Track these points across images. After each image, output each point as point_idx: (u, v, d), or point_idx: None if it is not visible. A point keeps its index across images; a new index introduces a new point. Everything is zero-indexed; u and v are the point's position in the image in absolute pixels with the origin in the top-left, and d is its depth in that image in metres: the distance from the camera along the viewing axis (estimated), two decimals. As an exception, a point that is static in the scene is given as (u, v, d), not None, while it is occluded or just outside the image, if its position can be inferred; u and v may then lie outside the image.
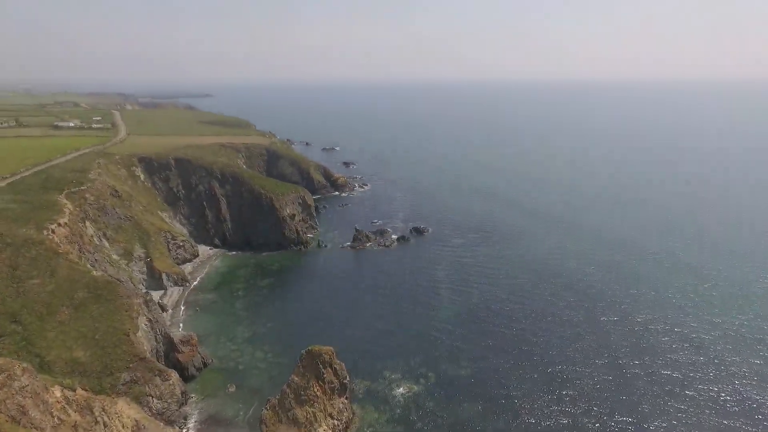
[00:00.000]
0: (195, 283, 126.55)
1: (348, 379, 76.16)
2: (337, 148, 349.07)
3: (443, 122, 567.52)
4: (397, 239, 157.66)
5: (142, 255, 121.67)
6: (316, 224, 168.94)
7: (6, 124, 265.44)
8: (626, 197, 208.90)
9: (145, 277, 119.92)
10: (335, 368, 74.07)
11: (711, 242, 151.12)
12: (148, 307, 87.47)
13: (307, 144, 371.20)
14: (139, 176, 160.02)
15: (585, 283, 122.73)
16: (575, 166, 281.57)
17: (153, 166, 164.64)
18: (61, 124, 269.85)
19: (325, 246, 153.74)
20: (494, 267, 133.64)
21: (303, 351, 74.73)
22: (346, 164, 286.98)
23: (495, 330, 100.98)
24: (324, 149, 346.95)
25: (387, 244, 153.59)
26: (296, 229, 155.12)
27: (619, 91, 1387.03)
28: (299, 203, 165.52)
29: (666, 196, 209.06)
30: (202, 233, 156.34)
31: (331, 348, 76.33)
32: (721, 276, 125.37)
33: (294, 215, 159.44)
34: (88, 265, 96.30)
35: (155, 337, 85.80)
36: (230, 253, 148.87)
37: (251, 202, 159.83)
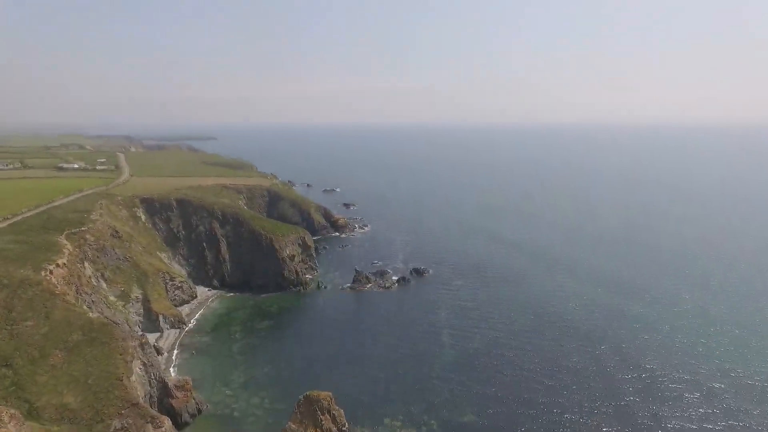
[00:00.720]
0: (192, 325, 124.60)
1: (347, 426, 73.69)
2: (338, 190, 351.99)
3: (443, 165, 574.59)
4: (397, 281, 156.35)
5: (140, 296, 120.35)
6: (316, 265, 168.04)
7: (11, 166, 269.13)
8: (628, 238, 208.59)
9: (141, 319, 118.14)
10: (334, 415, 71.78)
11: (717, 284, 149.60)
12: (143, 350, 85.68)
13: (308, 185, 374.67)
14: (140, 217, 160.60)
15: (588, 327, 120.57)
16: (576, 208, 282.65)
17: (154, 206, 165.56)
18: (65, 165, 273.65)
19: (325, 287, 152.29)
20: (495, 310, 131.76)
21: (300, 396, 72.67)
22: (347, 205, 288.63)
23: (496, 376, 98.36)
24: (325, 191, 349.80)
25: (387, 285, 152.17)
26: (296, 270, 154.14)
27: (619, 134, 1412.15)
28: (299, 244, 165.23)
29: (668, 238, 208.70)
30: (201, 274, 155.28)
31: (330, 393, 74.24)
32: (729, 319, 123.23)
33: (294, 256, 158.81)
34: (85, 307, 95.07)
35: (149, 381, 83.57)
36: (228, 295, 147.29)
37: (251, 242, 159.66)
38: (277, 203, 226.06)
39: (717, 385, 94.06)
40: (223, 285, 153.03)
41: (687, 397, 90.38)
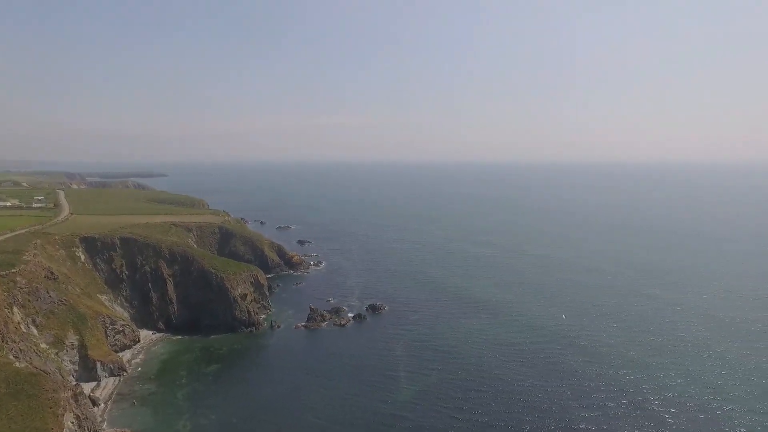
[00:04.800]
0: (134, 371, 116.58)
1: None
2: (293, 227, 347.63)
3: (400, 201, 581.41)
4: (353, 317, 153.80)
5: (76, 342, 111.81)
6: (269, 304, 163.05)
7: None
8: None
9: (76, 367, 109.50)
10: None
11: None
12: (77, 401, 78.99)
13: (261, 222, 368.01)
14: (79, 257, 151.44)
15: (551, 359, 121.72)
16: (538, 240, 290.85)
17: (95, 246, 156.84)
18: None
19: (278, 327, 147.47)
20: (451, 342, 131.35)
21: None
22: (301, 242, 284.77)
23: (453, 412, 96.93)
24: (279, 228, 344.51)
25: (342, 323, 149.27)
26: (248, 310, 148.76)
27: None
28: (252, 282, 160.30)
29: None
30: (145, 316, 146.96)
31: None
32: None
33: (246, 295, 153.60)
34: (11, 356, 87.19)
35: (82, 436, 76.62)
36: (175, 338, 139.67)
37: (201, 282, 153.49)
38: (229, 241, 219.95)
39: None
40: (170, 327, 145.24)
41: None
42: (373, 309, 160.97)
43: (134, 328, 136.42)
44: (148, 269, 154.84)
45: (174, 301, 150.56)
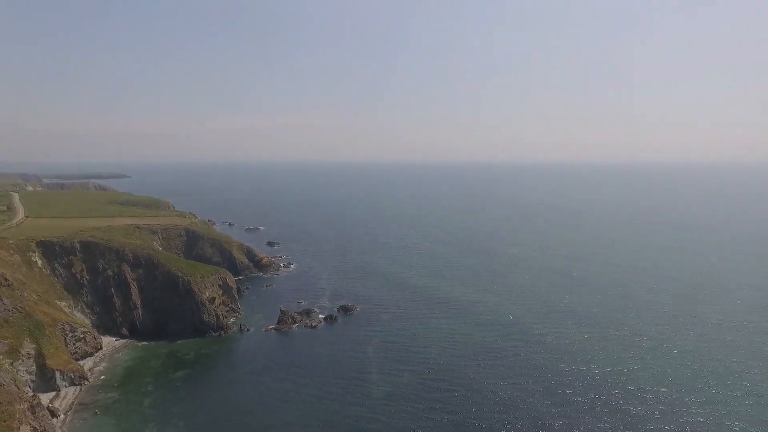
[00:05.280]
0: (96, 380, 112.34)
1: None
2: (262, 228, 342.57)
3: (370, 201, 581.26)
4: (324, 318, 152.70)
5: (32, 351, 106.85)
6: (239, 307, 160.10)
7: None
8: (559, 266, 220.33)
9: (33, 377, 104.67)
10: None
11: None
12: (33, 413, 75.59)
13: (230, 224, 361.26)
14: (35, 262, 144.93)
15: (520, 357, 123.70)
16: (505, 238, 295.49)
17: (54, 250, 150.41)
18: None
19: (248, 330, 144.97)
20: (423, 344, 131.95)
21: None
22: (271, 244, 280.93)
23: (429, 416, 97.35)
24: (248, 229, 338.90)
25: (313, 324, 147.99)
26: (216, 313, 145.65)
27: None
28: (220, 285, 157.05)
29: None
30: (107, 323, 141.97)
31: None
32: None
33: (214, 298, 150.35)
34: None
35: (40, 449, 73.34)
36: (140, 344, 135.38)
37: (166, 286, 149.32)
38: (196, 243, 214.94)
39: None
40: (134, 333, 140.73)
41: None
42: (345, 310, 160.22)
43: (96, 334, 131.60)
44: (111, 274, 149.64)
45: (138, 306, 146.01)
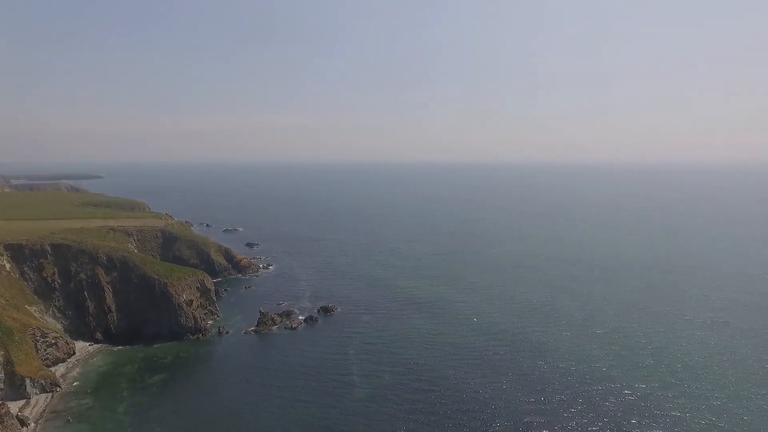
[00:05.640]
0: (69, 386, 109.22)
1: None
2: (240, 229, 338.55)
3: (347, 201, 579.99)
4: (304, 320, 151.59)
5: (0, 359, 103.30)
6: (217, 309, 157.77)
7: None
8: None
9: (2, 385, 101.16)
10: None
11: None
12: (2, 422, 73.08)
13: (207, 225, 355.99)
14: (4, 266, 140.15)
15: (499, 356, 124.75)
16: (482, 238, 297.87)
17: (23, 253, 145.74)
18: None
19: (227, 332, 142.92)
20: (404, 345, 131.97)
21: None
22: (250, 245, 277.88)
23: (410, 417, 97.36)
24: (226, 230, 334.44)
25: (293, 326, 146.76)
26: (194, 316, 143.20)
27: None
28: (198, 288, 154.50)
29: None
30: (80, 327, 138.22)
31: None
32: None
33: (192, 301, 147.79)
34: (-76, 376, 79.25)
35: (9, 459, 70.90)
36: (115, 348, 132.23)
37: (142, 288, 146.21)
38: (172, 245, 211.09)
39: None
40: (109, 338, 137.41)
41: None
42: (325, 311, 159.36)
43: (68, 340, 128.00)
44: (84, 277, 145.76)
45: (113, 309, 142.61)
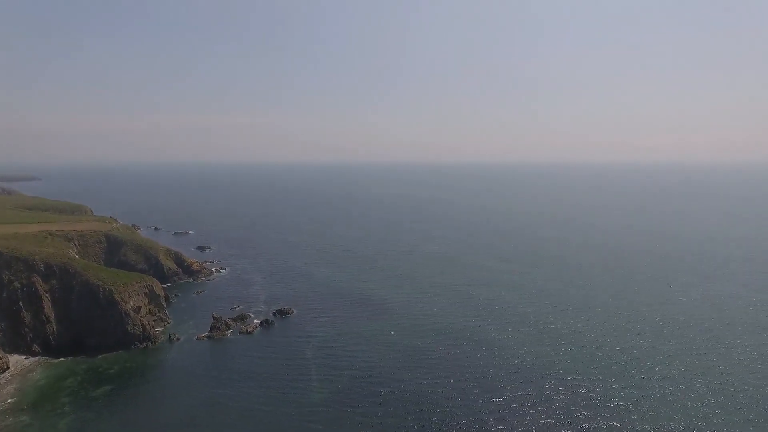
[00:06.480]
0: (3, 403, 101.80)
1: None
2: (191, 232, 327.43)
3: (301, 201, 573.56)
4: (260, 323, 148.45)
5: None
6: (167, 316, 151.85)
7: None
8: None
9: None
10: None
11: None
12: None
13: (156, 229, 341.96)
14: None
15: (453, 354, 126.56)
16: (434, 239, 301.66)
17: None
18: None
19: (177, 339, 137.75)
20: (362, 346, 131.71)
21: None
22: (201, 248, 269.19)
23: (368, 419, 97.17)
24: (176, 233, 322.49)
25: (248, 330, 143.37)
26: (142, 324, 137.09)
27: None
28: (146, 294, 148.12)
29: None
30: (15, 340, 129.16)
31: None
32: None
33: (140, 307, 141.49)
34: None
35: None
36: (55, 361, 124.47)
37: (85, 296, 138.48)
38: (118, 250, 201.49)
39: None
40: (48, 350, 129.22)
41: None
42: (281, 313, 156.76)
43: (2, 353, 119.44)
44: (18, 286, 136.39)
45: (52, 319, 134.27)
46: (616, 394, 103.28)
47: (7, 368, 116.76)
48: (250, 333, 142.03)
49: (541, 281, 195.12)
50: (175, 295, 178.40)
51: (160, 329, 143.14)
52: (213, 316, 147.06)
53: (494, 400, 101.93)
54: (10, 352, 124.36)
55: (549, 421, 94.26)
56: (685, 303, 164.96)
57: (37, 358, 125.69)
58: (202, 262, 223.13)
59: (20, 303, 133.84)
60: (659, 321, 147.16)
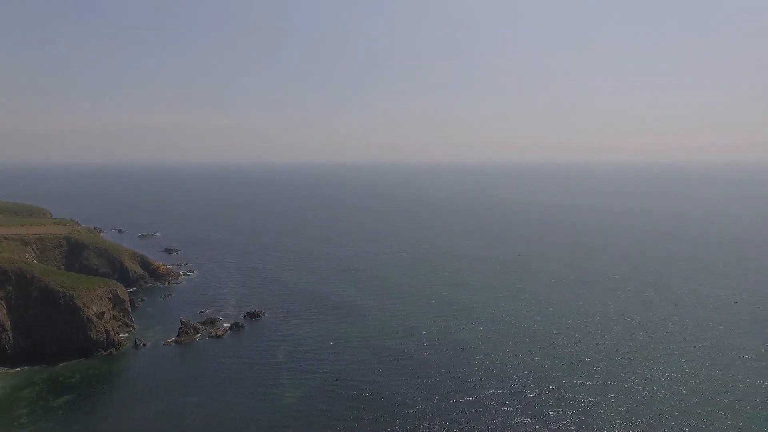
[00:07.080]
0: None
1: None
2: (157, 234, 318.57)
3: (269, 201, 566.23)
4: (230, 327, 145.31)
5: None
6: (132, 321, 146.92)
7: None
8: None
9: None
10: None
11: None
12: None
13: (120, 231, 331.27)
14: None
15: (423, 356, 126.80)
16: (400, 242, 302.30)
17: None
18: None
19: (143, 345, 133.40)
20: (334, 348, 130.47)
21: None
22: (168, 251, 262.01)
23: (339, 421, 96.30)
24: (141, 236, 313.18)
25: (218, 333, 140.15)
26: (105, 330, 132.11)
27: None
28: (110, 299, 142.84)
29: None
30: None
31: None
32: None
33: (103, 313, 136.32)
34: None
35: None
36: (12, 371, 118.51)
37: (44, 303, 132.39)
38: (79, 253, 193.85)
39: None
40: (4, 359, 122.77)
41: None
42: (252, 316, 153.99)
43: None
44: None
45: (8, 327, 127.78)
46: (586, 390, 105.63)
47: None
48: (219, 337, 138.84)
49: (513, 281, 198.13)
50: (141, 299, 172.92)
51: (125, 335, 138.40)
52: (181, 321, 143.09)
53: (466, 399, 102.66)
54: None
55: (521, 418, 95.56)
56: (653, 302, 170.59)
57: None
58: (169, 265, 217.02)
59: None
60: (626, 319, 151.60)
